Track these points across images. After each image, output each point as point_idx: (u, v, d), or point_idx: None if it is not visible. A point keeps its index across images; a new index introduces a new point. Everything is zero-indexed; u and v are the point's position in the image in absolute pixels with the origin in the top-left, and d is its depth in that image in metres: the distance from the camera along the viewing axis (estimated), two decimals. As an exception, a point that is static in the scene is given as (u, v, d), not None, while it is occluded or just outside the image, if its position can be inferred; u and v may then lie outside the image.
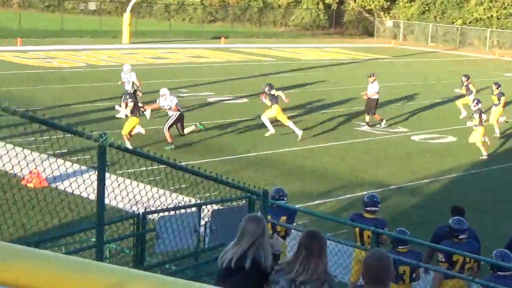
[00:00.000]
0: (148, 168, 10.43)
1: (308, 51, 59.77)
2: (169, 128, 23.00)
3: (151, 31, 64.40)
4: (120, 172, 10.24)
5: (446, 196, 19.47)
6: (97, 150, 7.97)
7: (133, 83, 26.70)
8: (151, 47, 54.51)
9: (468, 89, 30.76)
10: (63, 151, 10.69)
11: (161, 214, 9.77)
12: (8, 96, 26.30)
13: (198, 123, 24.32)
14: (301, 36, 75.73)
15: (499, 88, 28.55)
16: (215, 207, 10.79)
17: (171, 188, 12.27)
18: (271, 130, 25.08)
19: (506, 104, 29.41)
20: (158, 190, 12.36)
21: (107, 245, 11.08)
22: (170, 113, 23.32)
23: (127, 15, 57.09)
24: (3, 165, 7.96)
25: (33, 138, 14.47)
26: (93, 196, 8.43)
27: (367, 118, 28.01)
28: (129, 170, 9.99)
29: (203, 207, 10.38)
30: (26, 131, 9.10)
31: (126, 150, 8.30)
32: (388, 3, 79.68)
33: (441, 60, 59.53)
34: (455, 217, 11.65)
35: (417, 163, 23.17)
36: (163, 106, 23.56)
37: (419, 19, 77.48)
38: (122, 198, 9.17)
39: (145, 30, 63.22)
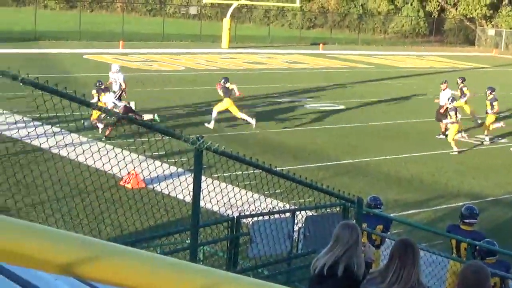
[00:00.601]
0: (244, 172, 10.51)
1: (407, 59, 59.16)
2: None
3: (250, 36, 64.80)
4: (216, 175, 10.34)
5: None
6: (193, 153, 8.07)
7: (120, 84, 26.13)
8: (249, 52, 54.86)
9: (462, 92, 29.89)
10: (160, 153, 10.87)
11: (255, 218, 9.82)
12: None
13: (156, 114, 25.38)
14: (401, 43, 75.04)
15: (493, 93, 27.79)
16: (309, 213, 10.78)
17: (265, 193, 12.31)
18: (212, 124, 25.72)
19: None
20: (252, 194, 12.45)
21: (201, 247, 11.20)
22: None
23: (227, 20, 57.61)
24: (103, 165, 8.14)
25: (132, 140, 14.75)
26: (188, 199, 8.54)
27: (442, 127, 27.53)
28: (224, 174, 10.08)
29: (297, 213, 10.39)
30: (126, 133, 9.27)
31: (223, 153, 8.37)
32: (491, 11, 78.17)
33: (545, 71, 58.06)
34: None
35: (517, 175, 22.66)
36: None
37: (523, 28, 75.85)
38: (217, 201, 9.26)
39: (244, 35, 63.64)
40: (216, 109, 26.18)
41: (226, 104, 26.22)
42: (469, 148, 26.07)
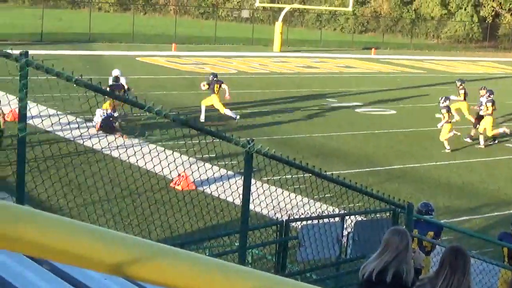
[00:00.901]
0: (293, 176, 10.49)
1: (460, 64, 58.58)
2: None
3: (302, 40, 64.77)
4: (266, 178, 10.35)
5: None
6: (244, 156, 8.09)
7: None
8: (301, 56, 54.82)
9: (459, 94, 29.84)
10: (211, 155, 10.93)
11: (304, 222, 9.81)
12: (161, 100, 27.04)
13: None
14: (454, 48, 74.33)
15: (491, 96, 27.36)
16: (359, 218, 10.74)
17: (315, 197, 12.29)
18: (202, 117, 26.44)
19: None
20: (302, 198, 12.43)
21: (250, 250, 11.22)
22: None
23: (279, 24, 57.65)
24: (153, 167, 8.21)
25: (183, 142, 14.85)
26: (238, 201, 8.56)
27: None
28: (274, 177, 10.09)
29: (347, 217, 10.35)
30: (177, 135, 9.34)
31: (273, 157, 8.39)
32: (547, 16, 77.18)
33: None
34: None
35: None
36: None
37: None
38: (267, 204, 9.27)
39: (296, 39, 63.63)
40: (204, 104, 27.00)
41: (212, 100, 26.85)
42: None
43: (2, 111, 18.49)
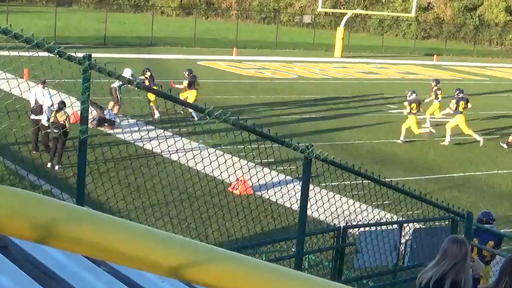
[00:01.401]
0: (352, 182, 10.45)
1: (524, 72, 57.73)
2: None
3: (364, 45, 64.49)
4: (324, 184, 10.32)
5: None
6: (302, 162, 8.09)
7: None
8: (362, 62, 54.58)
9: (436, 95, 30.05)
10: (269, 160, 10.93)
11: (362, 229, 9.77)
12: (221, 104, 27.19)
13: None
14: (518, 55, 73.30)
15: (460, 94, 27.93)
16: (417, 225, 10.66)
17: (373, 203, 12.23)
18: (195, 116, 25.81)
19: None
20: (360, 204, 12.37)
21: (307, 256, 11.20)
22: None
23: (340, 29, 57.51)
24: (212, 171, 8.26)
25: (242, 146, 14.90)
26: (295, 207, 8.56)
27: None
28: (332, 183, 10.06)
29: (405, 225, 10.28)
30: (236, 139, 9.38)
31: (331, 163, 8.37)
32: None
33: None
34: None
35: None
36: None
37: None
38: (324, 210, 9.25)
39: (358, 45, 63.38)
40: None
41: (191, 95, 26.68)
42: None
43: (67, 112, 18.80)
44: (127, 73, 25.48)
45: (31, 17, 59.57)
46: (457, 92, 28.14)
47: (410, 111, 26.51)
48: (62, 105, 18.72)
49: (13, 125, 13.06)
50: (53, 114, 18.89)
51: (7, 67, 6.57)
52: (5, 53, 5.74)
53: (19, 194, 1.86)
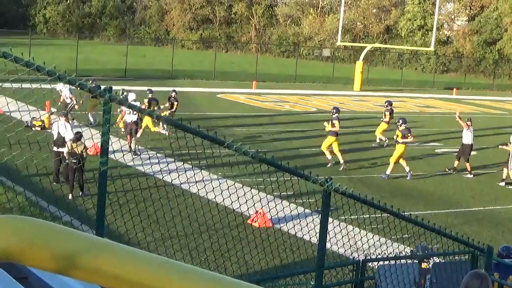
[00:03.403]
0: (371, 215, 10.42)
1: (544, 106, 57.51)
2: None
3: (383, 79, 64.54)
4: (343, 217, 10.30)
5: None
6: (321, 194, 8.08)
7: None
8: (381, 95, 54.58)
9: (385, 115, 32.20)
10: (288, 193, 10.93)
11: (381, 262, 9.72)
12: (240, 136, 27.24)
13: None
14: (538, 90, 73.08)
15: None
16: (437, 259, 10.60)
17: (392, 237, 12.18)
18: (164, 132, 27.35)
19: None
20: (379, 238, 12.31)
21: (326, 289, 11.14)
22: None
23: (359, 63, 57.62)
24: (231, 203, 8.26)
25: (261, 179, 14.91)
26: (314, 240, 8.53)
27: (456, 163, 27.44)
28: (352, 216, 10.04)
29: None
30: (255, 171, 9.39)
31: (351, 196, 8.35)
32: None
33: None
34: None
35: None
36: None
37: None
38: (343, 243, 9.22)
39: (377, 78, 63.45)
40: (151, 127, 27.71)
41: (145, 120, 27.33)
42: None
43: (84, 143, 18.97)
44: (131, 97, 26.31)
45: (53, 50, 60.09)
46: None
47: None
48: (79, 135, 19.00)
49: (34, 157, 13.15)
50: (69, 145, 19.07)
51: (30, 99, 6.62)
52: (27, 85, 5.79)
53: (39, 224, 1.87)
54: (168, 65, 55.19)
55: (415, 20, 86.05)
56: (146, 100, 28.06)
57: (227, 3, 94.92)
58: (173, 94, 29.88)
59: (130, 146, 24.53)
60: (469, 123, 27.72)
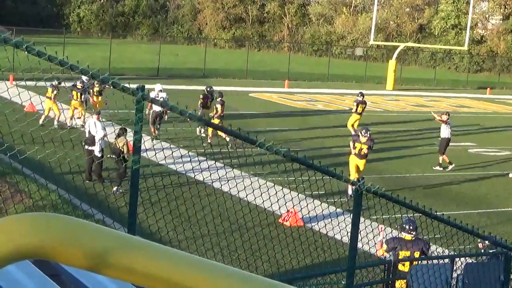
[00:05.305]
0: (403, 215, 10.38)
1: None
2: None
3: (416, 78, 64.22)
4: (375, 217, 10.26)
5: None
6: (353, 194, 8.06)
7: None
8: (414, 95, 54.33)
9: (356, 108, 32.25)
10: (320, 192, 10.91)
11: (413, 262, 9.68)
12: (272, 136, 27.23)
13: None
14: None
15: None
16: (469, 260, 10.53)
17: (424, 237, 12.12)
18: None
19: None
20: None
21: (357, 289, 11.12)
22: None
23: (392, 62, 57.38)
24: (263, 202, 8.27)
25: (293, 178, 14.90)
26: (346, 239, 8.51)
27: (440, 159, 27.15)
28: (383, 216, 10.00)
29: (456, 259, 10.16)
30: (287, 170, 9.38)
31: (383, 195, 8.32)
32: None
33: None
34: None
35: None
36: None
37: None
38: (375, 243, 9.19)
39: (410, 77, 63.14)
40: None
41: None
42: None
43: (126, 139, 19.17)
44: (157, 88, 26.74)
45: (87, 49, 60.51)
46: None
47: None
48: (122, 131, 19.24)
49: (67, 155, 13.24)
50: (113, 140, 19.47)
51: (64, 97, 6.67)
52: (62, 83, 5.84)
53: (72, 222, 1.89)
54: (201, 64, 55.33)
55: (448, 19, 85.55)
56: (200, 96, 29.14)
57: (259, 2, 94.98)
58: (219, 99, 26.96)
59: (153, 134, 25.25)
60: (445, 117, 27.46)
